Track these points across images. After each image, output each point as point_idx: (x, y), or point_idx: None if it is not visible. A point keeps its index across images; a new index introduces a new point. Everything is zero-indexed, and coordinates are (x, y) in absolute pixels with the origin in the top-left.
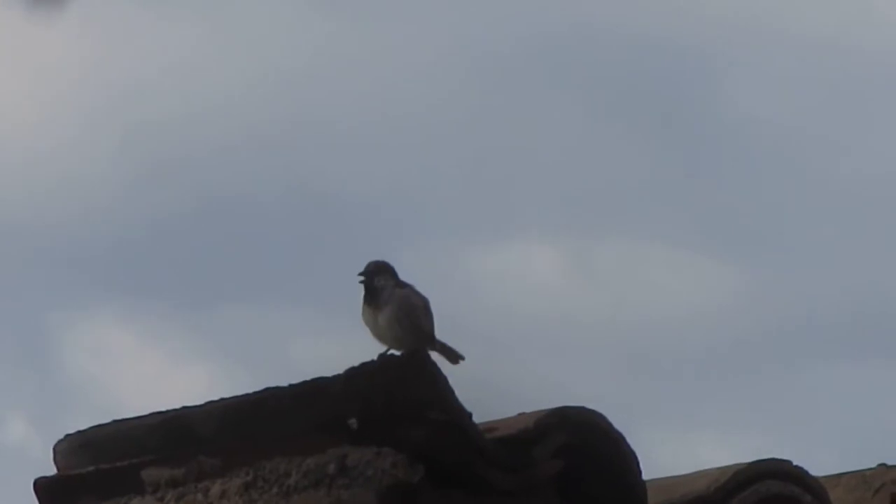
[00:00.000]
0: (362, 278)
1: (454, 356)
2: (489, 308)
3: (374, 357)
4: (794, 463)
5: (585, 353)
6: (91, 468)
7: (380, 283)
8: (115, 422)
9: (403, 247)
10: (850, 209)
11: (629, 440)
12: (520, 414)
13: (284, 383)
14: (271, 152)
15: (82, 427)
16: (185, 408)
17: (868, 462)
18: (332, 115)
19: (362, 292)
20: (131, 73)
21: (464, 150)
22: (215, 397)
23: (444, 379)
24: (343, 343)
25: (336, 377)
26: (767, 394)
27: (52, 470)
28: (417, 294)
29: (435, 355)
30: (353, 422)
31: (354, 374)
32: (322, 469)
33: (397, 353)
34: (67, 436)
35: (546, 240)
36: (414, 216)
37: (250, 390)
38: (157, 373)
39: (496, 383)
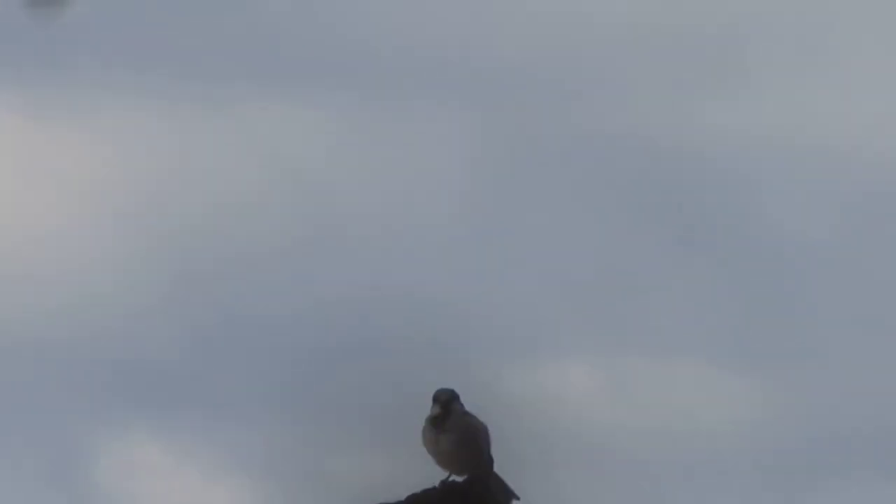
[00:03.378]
0: (438, 408)
1: (510, 495)
2: (526, 427)
3: (435, 483)
4: None
5: (618, 466)
6: None
7: (455, 408)
8: None
9: (443, 367)
10: (880, 322)
11: None
12: None
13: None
14: (297, 262)
15: None
16: None
17: None
18: (360, 225)
19: (427, 417)
20: (153, 182)
21: (494, 268)
22: None
23: None
24: (382, 460)
25: (398, 503)
26: None
27: None
28: (479, 421)
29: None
30: None
31: (416, 500)
32: None
33: (458, 479)
34: None
35: (580, 358)
36: (449, 336)
37: None
38: (191, 489)
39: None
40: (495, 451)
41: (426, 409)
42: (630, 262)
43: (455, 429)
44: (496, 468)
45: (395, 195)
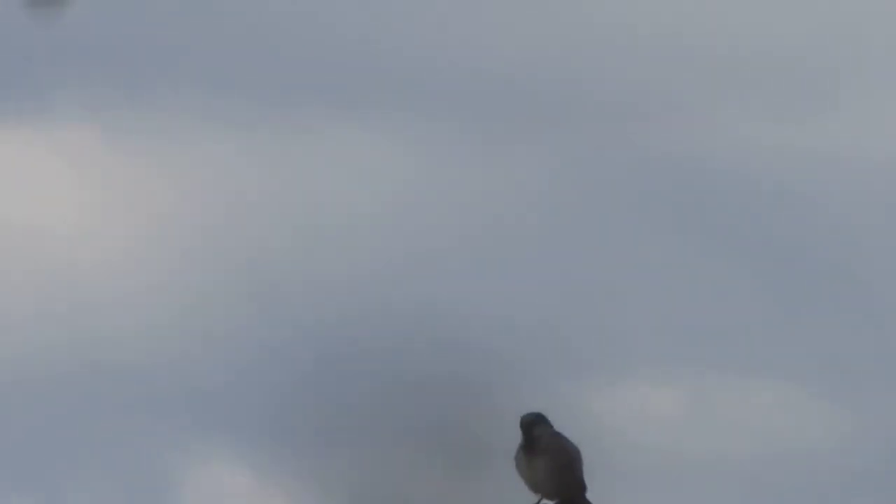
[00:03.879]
0: (526, 432)
1: None
2: (613, 447)
3: None
4: None
5: (702, 488)
6: None
7: (537, 433)
8: None
9: (528, 386)
10: None
11: None
12: None
13: None
14: (381, 287)
15: None
16: None
17: None
18: (440, 248)
19: (519, 441)
20: (230, 206)
21: (575, 289)
22: None
23: None
24: (469, 484)
25: None
26: None
27: None
28: (572, 444)
29: None
30: None
31: None
32: None
33: (550, 502)
34: None
35: (665, 378)
36: (533, 355)
37: None
38: None
39: None
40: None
41: (513, 430)
42: (713, 281)
43: (547, 453)
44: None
45: (473, 219)
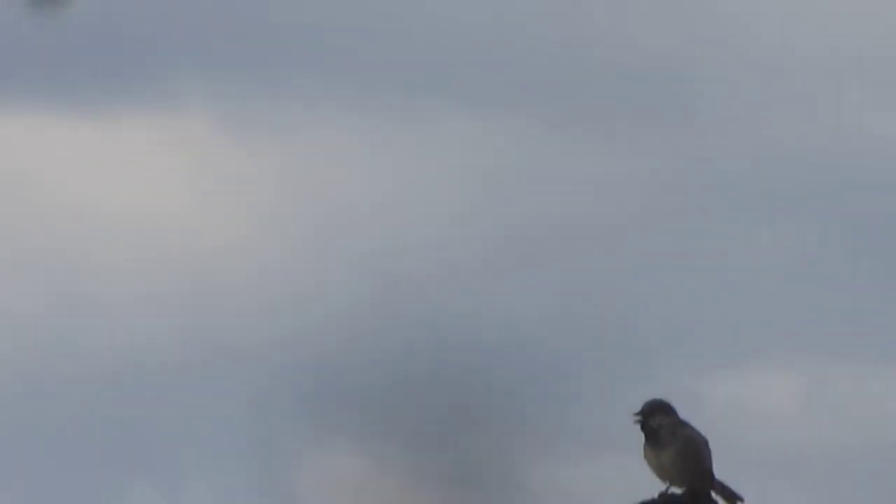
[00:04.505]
0: (639, 418)
1: (733, 497)
2: (730, 437)
3: (655, 495)
4: None
5: (825, 481)
6: None
7: (656, 422)
8: None
9: (636, 371)
10: None
11: None
12: None
13: None
14: (496, 275)
15: None
16: None
17: None
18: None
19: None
20: (347, 197)
21: (698, 271)
22: None
23: None
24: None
25: None
26: None
27: None
28: (698, 433)
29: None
30: None
31: None
32: None
33: (678, 491)
34: None
35: (784, 365)
36: (649, 339)
37: None
38: (392, 502)
39: None
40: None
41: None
42: (833, 269)
43: (674, 443)
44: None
45: (586, 207)
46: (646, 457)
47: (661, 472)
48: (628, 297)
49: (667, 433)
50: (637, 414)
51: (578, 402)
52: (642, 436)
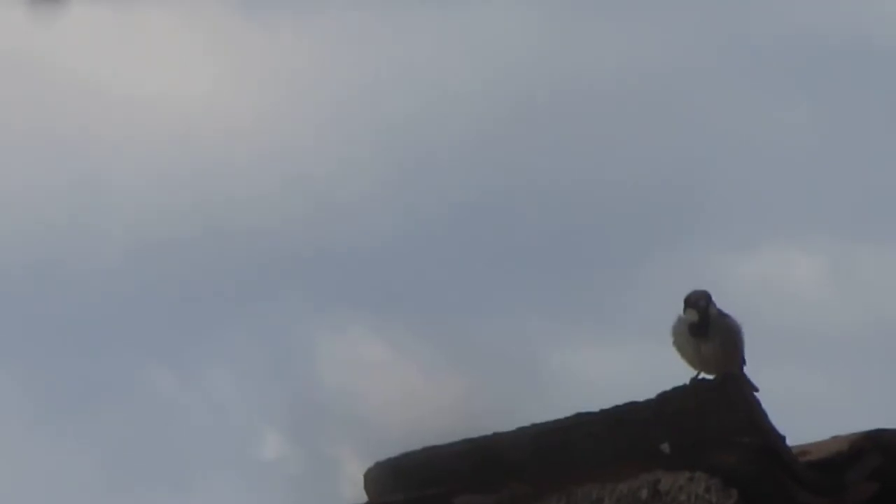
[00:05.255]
0: (695, 315)
1: (749, 386)
2: (747, 318)
3: (685, 381)
4: None
5: (848, 364)
6: (402, 496)
7: (713, 312)
8: (424, 449)
9: (657, 251)
10: None
11: None
12: (832, 437)
13: (595, 408)
14: (524, 149)
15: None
16: (495, 434)
17: None
18: (571, 110)
19: (682, 317)
20: (365, 74)
21: (720, 150)
22: (525, 423)
23: (758, 403)
24: (600, 352)
25: (647, 402)
26: None
27: (355, 495)
28: (736, 322)
29: None
30: (665, 446)
31: (667, 398)
32: (635, 494)
33: (708, 377)
34: (378, 463)
35: (803, 245)
36: (667, 218)
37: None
38: (411, 385)
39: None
40: None
41: (653, 302)
42: (854, 145)
43: (718, 335)
44: None
45: (606, 75)
46: (681, 343)
47: (698, 361)
48: (649, 174)
49: (714, 325)
50: (692, 308)
51: (596, 284)
52: (674, 323)
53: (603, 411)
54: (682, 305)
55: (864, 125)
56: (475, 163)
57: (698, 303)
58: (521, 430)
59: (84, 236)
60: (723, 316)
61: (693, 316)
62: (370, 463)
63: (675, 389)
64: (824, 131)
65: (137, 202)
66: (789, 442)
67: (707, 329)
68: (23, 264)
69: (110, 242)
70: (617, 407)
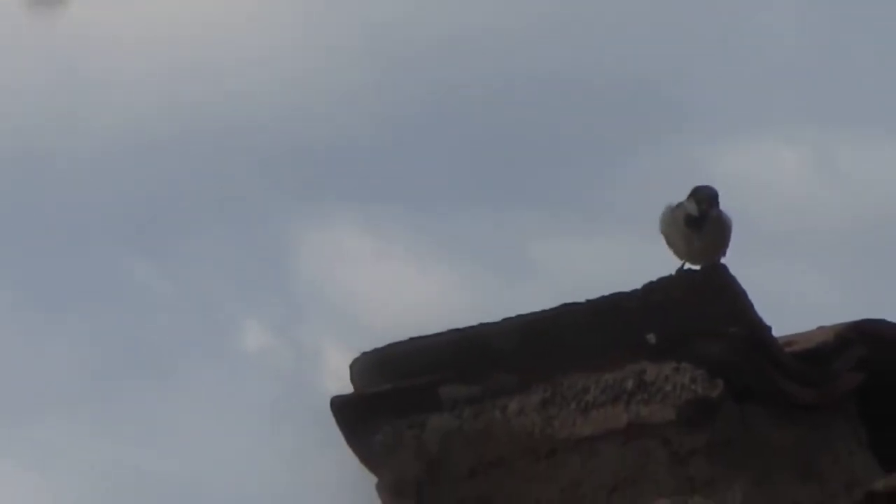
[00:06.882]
0: (696, 209)
1: None
2: (735, 209)
3: (671, 272)
4: None
5: (832, 255)
6: (388, 386)
7: (714, 212)
8: (410, 339)
9: (641, 143)
10: None
11: None
12: (818, 328)
13: (581, 299)
14: (506, 43)
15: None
16: (481, 324)
17: None
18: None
19: (679, 206)
20: None
21: (703, 42)
22: (511, 314)
23: (744, 293)
24: (584, 244)
25: (634, 292)
26: None
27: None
28: (728, 217)
29: None
30: (651, 337)
31: (653, 288)
32: (620, 385)
33: (694, 267)
34: (363, 353)
35: (788, 137)
36: (654, 112)
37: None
38: (396, 278)
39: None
40: None
41: (638, 195)
42: (842, 41)
43: (714, 230)
44: None
45: None
46: (673, 233)
47: (687, 252)
48: (633, 65)
49: (711, 220)
50: (697, 203)
51: (582, 177)
52: (665, 210)
53: (589, 302)
54: (667, 198)
55: (846, 17)
56: (460, 56)
57: (705, 200)
58: (508, 320)
59: (67, 133)
60: (718, 211)
61: (693, 209)
62: (356, 354)
63: (661, 280)
64: (805, 21)
65: (119, 101)
66: (775, 334)
67: (704, 223)
68: (4, 159)
69: (92, 139)
70: (603, 297)
